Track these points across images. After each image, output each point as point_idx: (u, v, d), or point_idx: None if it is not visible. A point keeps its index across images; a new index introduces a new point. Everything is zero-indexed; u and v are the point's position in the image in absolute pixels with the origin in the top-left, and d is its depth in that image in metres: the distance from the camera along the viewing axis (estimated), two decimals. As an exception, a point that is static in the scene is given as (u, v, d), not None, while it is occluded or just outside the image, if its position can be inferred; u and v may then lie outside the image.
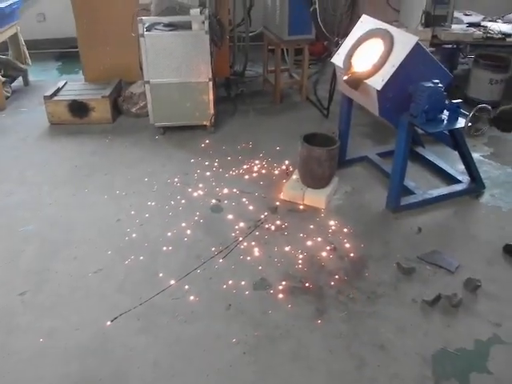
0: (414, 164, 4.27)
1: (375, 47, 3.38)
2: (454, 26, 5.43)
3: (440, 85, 3.25)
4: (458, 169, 4.04)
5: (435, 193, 3.79)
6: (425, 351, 2.61)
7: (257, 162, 4.23)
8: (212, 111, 4.57)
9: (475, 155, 4.40)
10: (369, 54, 3.41)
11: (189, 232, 3.42)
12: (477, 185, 3.89)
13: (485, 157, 4.42)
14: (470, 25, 5.76)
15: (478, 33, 5.50)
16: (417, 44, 3.20)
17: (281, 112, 4.95)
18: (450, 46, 5.20)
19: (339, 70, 3.68)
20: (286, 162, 4.16)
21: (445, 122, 3.40)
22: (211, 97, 4.50)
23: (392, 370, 2.51)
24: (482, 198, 3.86)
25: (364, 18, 3.61)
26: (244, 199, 3.75)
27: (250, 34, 5.78)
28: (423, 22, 5.15)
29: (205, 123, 4.63)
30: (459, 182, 3.94)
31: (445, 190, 3.87)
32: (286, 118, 4.73)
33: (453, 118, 3.38)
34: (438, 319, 2.80)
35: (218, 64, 5.02)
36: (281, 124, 4.66)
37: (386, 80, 3.22)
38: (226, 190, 3.85)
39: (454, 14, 5.98)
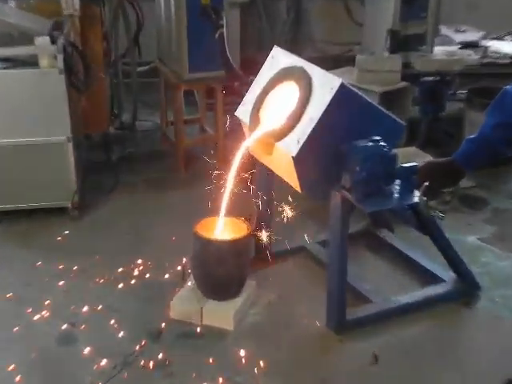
0: (377, 256, 4.38)
1: (289, 94, 3.50)
2: (437, 49, 5.71)
3: (383, 143, 3.33)
4: (441, 262, 4.11)
5: (403, 300, 3.87)
6: None
7: (139, 261, 4.26)
8: (75, 187, 4.63)
9: (471, 238, 4.57)
10: (281, 103, 3.55)
11: (18, 379, 3.35)
12: (467, 285, 3.98)
13: (484, 240, 4.58)
14: (465, 45, 6.08)
15: (474, 57, 5.79)
16: (342, 87, 3.27)
17: (184, 185, 5.04)
18: (431, 78, 5.43)
19: (245, 127, 3.81)
20: (184, 261, 4.19)
21: (394, 195, 3.50)
22: (72, 164, 4.59)
23: None
24: (475, 304, 3.95)
25: (276, 50, 3.77)
26: (112, 321, 3.73)
27: (141, 69, 5.98)
28: (388, 45, 5.41)
29: (64, 205, 4.68)
30: (442, 281, 4.03)
31: (418, 294, 3.94)
32: (191, 194, 4.81)
33: (407, 190, 3.47)
34: None
35: (90, 114, 5.15)
36: (182, 203, 4.74)
37: (302, 141, 3.28)
38: (85, 308, 3.83)
39: (442, 31, 6.32)
